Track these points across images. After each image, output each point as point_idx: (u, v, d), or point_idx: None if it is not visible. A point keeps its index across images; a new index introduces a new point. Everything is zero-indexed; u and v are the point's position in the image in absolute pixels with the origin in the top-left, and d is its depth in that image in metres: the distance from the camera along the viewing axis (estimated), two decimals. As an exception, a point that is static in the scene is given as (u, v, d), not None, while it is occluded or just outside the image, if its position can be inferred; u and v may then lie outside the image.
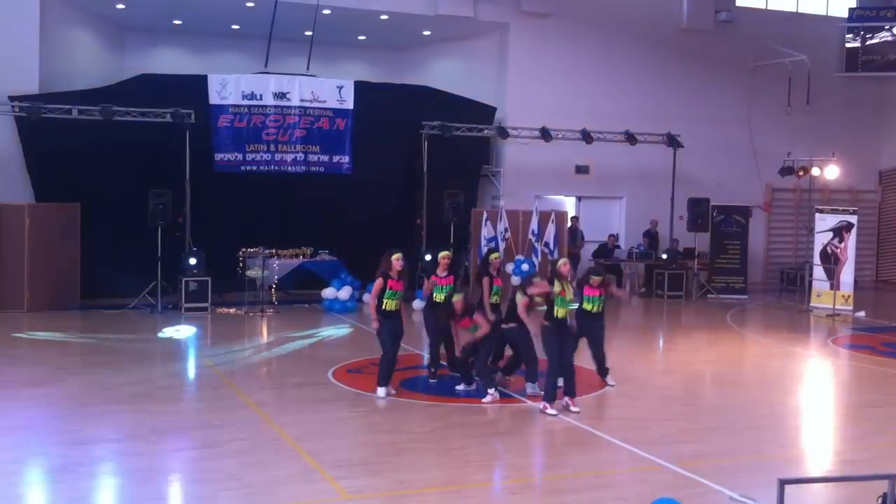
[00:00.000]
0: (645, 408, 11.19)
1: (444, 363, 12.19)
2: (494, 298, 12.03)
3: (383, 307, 11.05)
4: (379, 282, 11.03)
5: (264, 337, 15.92)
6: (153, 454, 8.65)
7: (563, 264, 10.77)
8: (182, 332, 15.64)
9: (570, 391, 10.65)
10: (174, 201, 17.84)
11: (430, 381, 12.01)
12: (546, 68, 22.55)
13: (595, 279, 11.73)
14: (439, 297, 11.77)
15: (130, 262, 18.11)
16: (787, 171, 22.53)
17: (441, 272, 11.87)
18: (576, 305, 11.52)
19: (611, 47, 23.24)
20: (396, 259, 11.00)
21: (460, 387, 11.54)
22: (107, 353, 13.71)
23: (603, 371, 12.14)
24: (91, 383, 11.70)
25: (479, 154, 22.18)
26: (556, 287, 10.48)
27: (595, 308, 11.75)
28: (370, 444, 9.18)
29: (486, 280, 12.06)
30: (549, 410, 10.42)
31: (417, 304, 17.13)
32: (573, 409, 10.54)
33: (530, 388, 11.29)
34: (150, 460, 8.45)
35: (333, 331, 16.53)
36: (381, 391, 11.11)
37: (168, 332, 15.57)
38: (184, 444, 9.01)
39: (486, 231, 20.09)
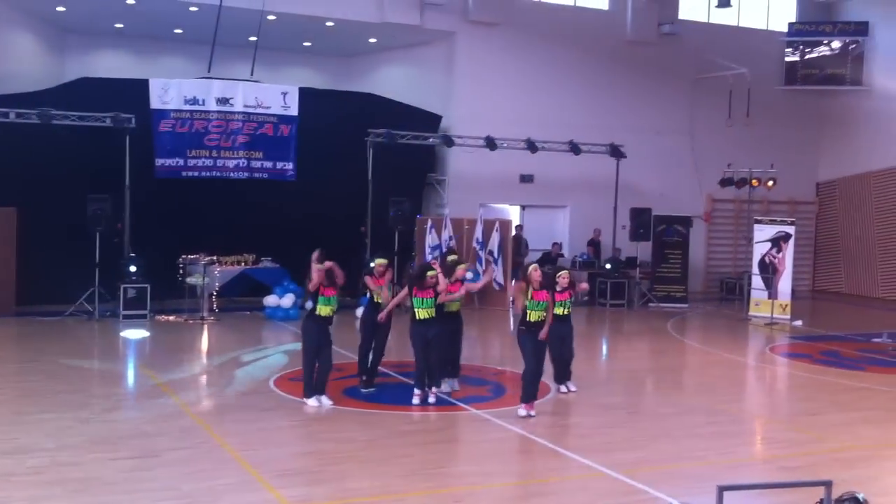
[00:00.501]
0: (587, 416, 11.24)
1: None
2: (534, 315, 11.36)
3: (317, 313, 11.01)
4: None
5: (204, 345, 15.71)
6: (89, 463, 8.47)
7: (534, 269, 10.87)
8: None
9: (562, 378, 11.64)
10: (114, 207, 17.56)
11: (364, 390, 11.89)
12: (492, 77, 22.63)
13: (563, 275, 11.73)
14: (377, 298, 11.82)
15: (68, 269, 17.76)
16: (727, 182, 22.86)
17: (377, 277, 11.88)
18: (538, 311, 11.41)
19: (556, 57, 23.40)
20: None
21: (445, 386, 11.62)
22: (42, 361, 13.40)
23: (565, 374, 12.19)
24: (26, 391, 11.45)
25: (424, 162, 22.17)
26: (528, 293, 10.65)
27: (564, 311, 11.78)
28: (312, 453, 9.10)
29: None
30: (523, 412, 10.69)
31: (360, 311, 17.02)
32: (531, 413, 10.77)
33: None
34: (86, 470, 8.28)
35: (275, 339, 16.38)
36: (311, 400, 11.00)
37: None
38: (120, 454, 8.84)
39: (430, 239, 20.10)
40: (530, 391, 10.82)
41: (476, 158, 21.36)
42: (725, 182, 22.87)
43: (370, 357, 12.00)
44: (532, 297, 10.71)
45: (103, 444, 9.14)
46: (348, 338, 13.47)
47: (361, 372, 12.10)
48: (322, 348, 11.09)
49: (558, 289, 11.45)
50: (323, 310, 11.01)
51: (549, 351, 11.48)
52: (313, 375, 11.07)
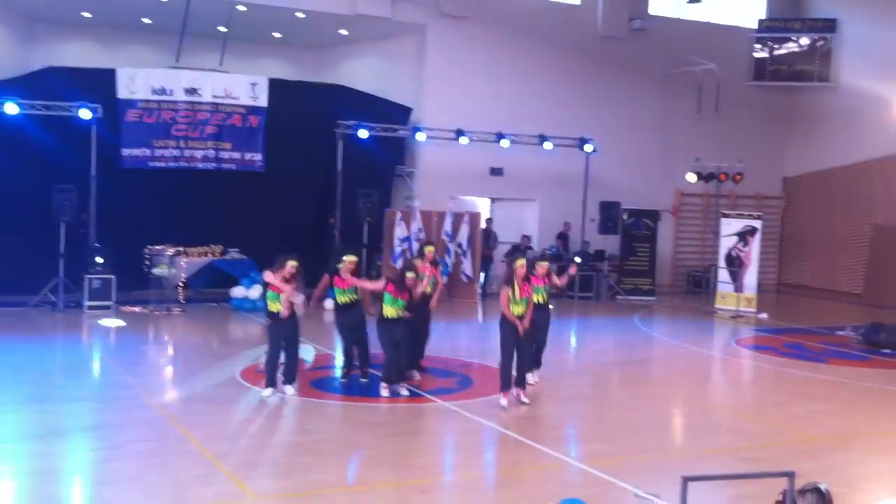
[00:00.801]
0: (554, 407, 11.28)
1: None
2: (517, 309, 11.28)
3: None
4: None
5: (170, 336, 15.60)
6: (52, 455, 8.39)
7: (521, 266, 10.97)
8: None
9: (521, 382, 11.08)
10: (79, 197, 17.36)
11: (342, 381, 11.91)
12: (463, 70, 22.60)
13: (541, 266, 11.93)
14: (342, 298, 11.76)
15: (32, 259, 17.58)
16: (695, 176, 23.00)
17: (344, 275, 11.67)
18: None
19: (527, 51, 23.41)
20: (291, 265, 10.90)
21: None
22: (6, 352, 13.24)
23: (534, 364, 12.15)
24: (-12, 383, 11.32)
25: (393, 154, 22.10)
26: (515, 287, 10.79)
27: (541, 298, 11.82)
28: (278, 445, 9.05)
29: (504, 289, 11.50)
30: (503, 401, 10.79)
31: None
32: (524, 399, 10.97)
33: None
34: (49, 461, 8.20)
35: (242, 330, 16.29)
36: (267, 391, 10.96)
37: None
38: (84, 445, 8.76)
39: (399, 231, 20.07)
40: (506, 381, 10.95)
41: (446, 151, 21.36)
42: (693, 176, 23.01)
43: (354, 353, 12.00)
44: (518, 294, 10.84)
45: (67, 435, 9.05)
46: (318, 331, 13.40)
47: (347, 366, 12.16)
48: (290, 340, 11.08)
49: (535, 274, 11.62)
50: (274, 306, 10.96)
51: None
52: (277, 367, 11.05)
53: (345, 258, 11.73)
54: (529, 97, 23.18)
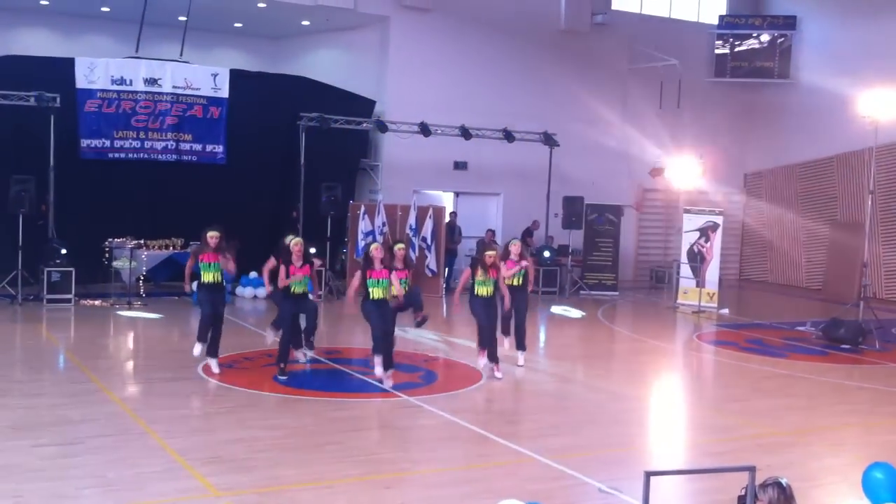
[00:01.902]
0: (516, 402, 11.32)
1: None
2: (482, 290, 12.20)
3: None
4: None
5: (131, 330, 15.43)
6: (10, 450, 8.25)
7: (489, 256, 12.03)
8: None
9: (494, 358, 12.16)
10: (37, 188, 17.12)
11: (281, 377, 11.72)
12: (426, 63, 22.55)
13: (514, 244, 12.82)
14: (298, 288, 11.64)
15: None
16: (657, 172, 23.13)
17: (297, 261, 11.60)
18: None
19: (490, 44, 23.40)
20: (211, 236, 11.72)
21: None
22: (-39, 346, 13.05)
23: (521, 344, 12.96)
24: (-57, 377, 11.12)
25: (357, 147, 22.02)
26: (480, 274, 11.98)
27: (517, 282, 12.61)
28: (241, 440, 8.97)
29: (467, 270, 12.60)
30: (482, 360, 12.31)
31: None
32: (497, 375, 12.07)
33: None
34: (7, 457, 8.06)
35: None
36: (197, 347, 11.64)
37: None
38: (43, 440, 8.62)
39: (363, 225, 20.02)
40: (486, 340, 12.17)
41: (410, 144, 21.31)
42: (656, 172, 23.13)
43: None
44: (485, 276, 11.99)
45: (25, 430, 8.91)
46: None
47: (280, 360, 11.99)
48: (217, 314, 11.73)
49: (513, 257, 12.61)
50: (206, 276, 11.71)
51: (500, 320, 12.69)
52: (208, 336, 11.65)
53: (292, 240, 11.87)
54: (493, 91, 23.19)
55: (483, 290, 12.03)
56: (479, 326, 12.29)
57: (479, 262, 12.19)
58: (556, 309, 18.95)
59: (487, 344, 12.20)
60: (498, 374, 12.08)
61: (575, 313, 18.74)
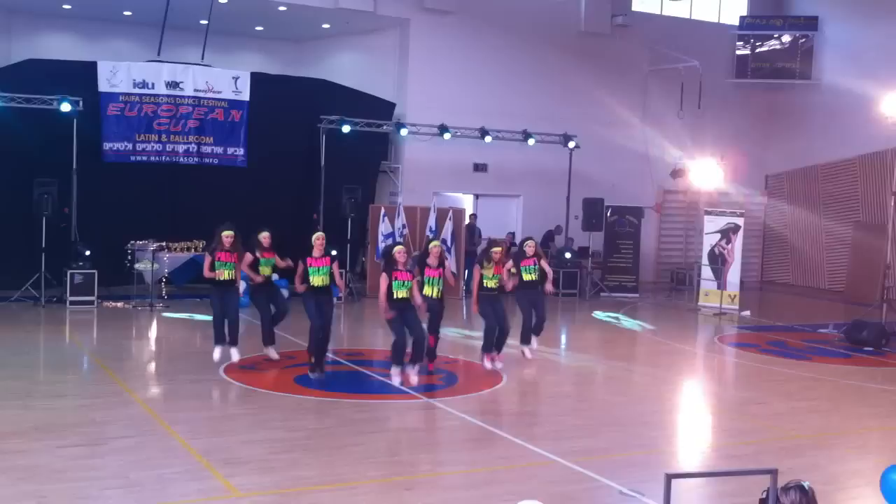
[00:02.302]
0: (537, 404, 11.31)
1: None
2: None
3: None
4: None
5: (153, 332, 15.52)
6: (34, 451, 8.31)
7: (496, 252, 12.41)
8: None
9: (500, 346, 12.64)
10: (60, 191, 17.26)
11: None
12: (446, 65, 22.58)
13: (530, 244, 13.32)
14: (317, 280, 11.76)
15: (13, 254, 17.50)
16: (678, 173, 23.05)
17: (316, 252, 11.78)
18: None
19: (510, 46, 23.40)
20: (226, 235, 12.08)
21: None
22: (-14, 348, 13.17)
23: (538, 328, 13.44)
24: (-32, 378, 11.22)
25: (377, 149, 22.07)
26: (486, 268, 12.37)
27: (532, 276, 13.15)
28: (262, 441, 9.00)
29: (476, 269, 12.59)
30: (488, 364, 12.43)
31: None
32: (498, 364, 12.56)
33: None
34: (31, 458, 8.13)
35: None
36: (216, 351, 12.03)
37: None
38: (67, 441, 8.69)
39: (383, 227, 20.04)
40: (491, 342, 12.46)
41: (430, 147, 21.34)
42: (676, 173, 23.06)
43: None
44: (492, 272, 12.37)
45: (50, 431, 8.98)
46: (298, 325, 13.33)
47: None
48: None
49: (528, 254, 13.23)
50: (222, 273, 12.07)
51: (522, 314, 13.37)
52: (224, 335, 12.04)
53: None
54: (513, 93, 23.20)
55: (491, 283, 12.39)
56: (486, 327, 12.51)
57: (484, 254, 12.60)
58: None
59: (493, 346, 12.51)
60: (529, 355, 13.18)
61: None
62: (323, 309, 11.74)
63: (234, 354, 12.08)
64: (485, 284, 12.42)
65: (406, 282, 11.28)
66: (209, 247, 12.32)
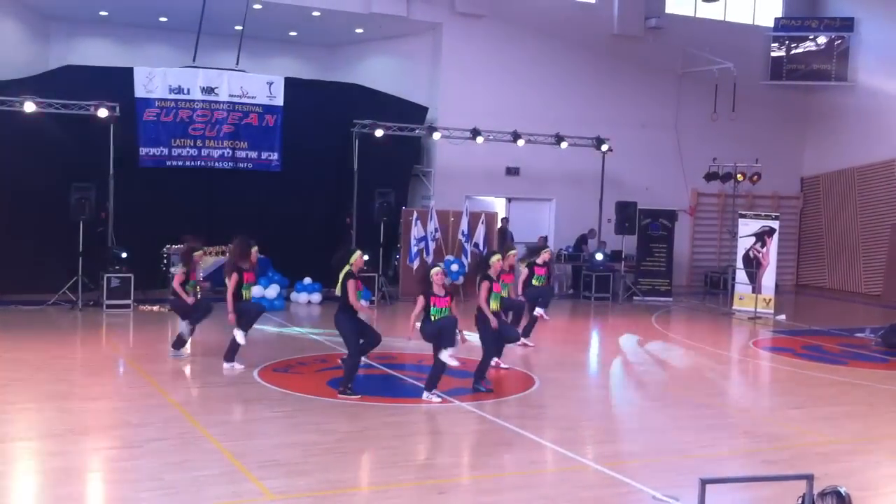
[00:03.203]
0: (570, 408, 11.26)
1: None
2: (494, 305, 11.75)
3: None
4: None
5: (188, 335, 15.62)
6: (71, 454, 8.43)
7: (497, 261, 11.88)
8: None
9: (499, 353, 12.64)
10: (97, 195, 17.47)
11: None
12: (478, 69, 22.61)
13: (545, 253, 14.45)
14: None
15: (51, 258, 17.73)
16: (712, 176, 22.91)
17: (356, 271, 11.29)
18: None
19: (543, 50, 23.39)
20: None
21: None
22: (25, 350, 13.33)
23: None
24: (8, 381, 11.37)
25: (410, 153, 22.13)
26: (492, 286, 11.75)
27: (541, 283, 14.38)
28: (296, 444, 9.06)
29: (486, 284, 11.74)
30: (485, 386, 11.54)
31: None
32: (502, 366, 12.87)
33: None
34: (67, 460, 8.24)
35: (258, 330, 16.30)
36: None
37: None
38: (103, 444, 8.80)
39: (416, 231, 20.08)
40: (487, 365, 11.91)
41: (462, 150, 21.37)
42: (710, 176, 22.93)
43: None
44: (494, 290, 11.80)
45: (86, 434, 9.10)
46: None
47: None
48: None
49: (539, 262, 14.36)
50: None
51: (526, 307, 13.92)
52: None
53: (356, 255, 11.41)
54: (545, 96, 23.18)
55: (494, 305, 11.71)
56: (485, 351, 11.75)
57: (485, 266, 11.98)
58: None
59: (486, 367, 11.85)
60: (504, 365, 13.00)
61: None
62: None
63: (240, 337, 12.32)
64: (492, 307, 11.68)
65: (444, 308, 10.83)
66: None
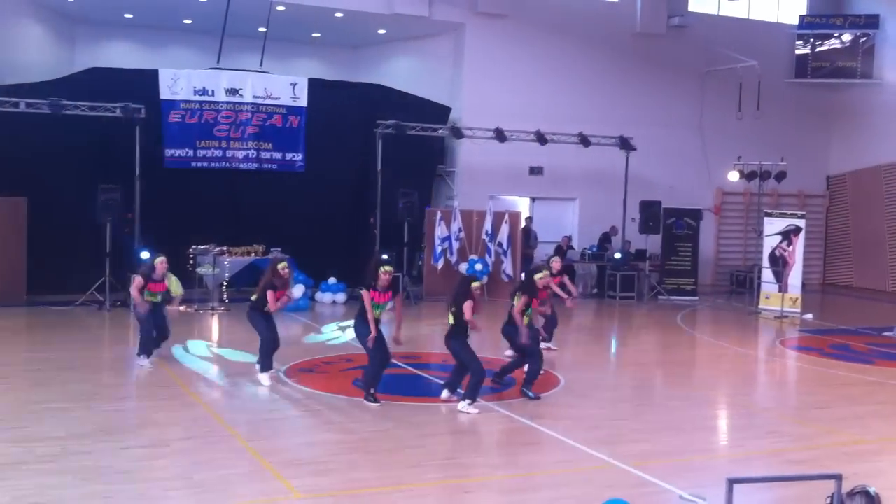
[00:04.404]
0: (596, 407, 11.24)
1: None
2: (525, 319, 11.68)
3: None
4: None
5: (215, 335, 15.75)
6: (99, 452, 8.49)
7: (542, 279, 11.88)
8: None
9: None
10: (124, 197, 17.60)
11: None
12: (501, 69, 22.61)
13: (555, 261, 14.42)
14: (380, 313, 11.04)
15: (78, 258, 17.90)
16: (737, 174, 22.79)
17: (382, 287, 10.91)
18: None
19: (565, 49, 23.36)
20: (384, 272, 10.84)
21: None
22: (53, 350, 13.47)
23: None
24: (36, 380, 11.49)
25: (433, 153, 22.16)
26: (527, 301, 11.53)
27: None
28: (322, 443, 9.10)
29: (525, 298, 11.60)
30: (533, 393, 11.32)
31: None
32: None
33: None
34: (96, 459, 8.31)
35: (284, 329, 16.36)
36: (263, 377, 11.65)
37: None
38: (131, 443, 8.87)
39: (440, 231, 20.11)
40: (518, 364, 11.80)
41: (485, 150, 21.37)
42: (735, 175, 22.81)
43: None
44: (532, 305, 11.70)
45: (114, 433, 9.17)
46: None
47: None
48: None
49: (554, 272, 13.72)
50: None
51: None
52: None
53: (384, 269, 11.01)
54: (568, 95, 23.16)
55: (526, 320, 11.57)
56: (531, 357, 11.57)
57: (532, 286, 11.75)
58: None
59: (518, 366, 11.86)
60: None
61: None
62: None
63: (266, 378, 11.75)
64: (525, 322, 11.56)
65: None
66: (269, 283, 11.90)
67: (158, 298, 12.71)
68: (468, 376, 10.69)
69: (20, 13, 20.14)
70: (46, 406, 10.17)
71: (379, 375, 10.91)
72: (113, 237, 17.50)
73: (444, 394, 11.01)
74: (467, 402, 10.51)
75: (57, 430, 9.20)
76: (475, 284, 10.70)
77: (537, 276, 11.86)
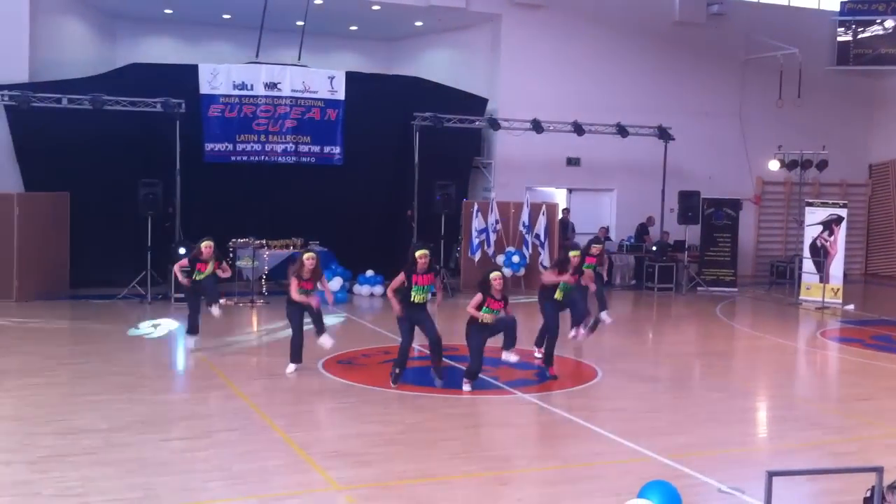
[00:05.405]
0: (634, 399, 11.20)
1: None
2: (559, 295, 12.32)
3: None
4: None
5: (254, 327, 15.90)
6: (141, 444, 8.62)
7: (575, 256, 12.25)
8: (162, 326, 15.41)
9: (550, 360, 12.23)
10: (164, 191, 17.80)
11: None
12: (538, 60, 22.53)
13: (595, 247, 13.89)
14: (419, 297, 11.15)
15: (120, 252, 18.14)
16: (777, 164, 22.57)
17: (420, 270, 11.05)
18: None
19: (603, 39, 23.23)
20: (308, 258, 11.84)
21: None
22: (95, 343, 13.69)
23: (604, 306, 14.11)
24: (79, 373, 11.68)
25: (470, 145, 22.15)
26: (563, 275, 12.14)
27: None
28: (360, 435, 9.16)
29: (555, 270, 12.41)
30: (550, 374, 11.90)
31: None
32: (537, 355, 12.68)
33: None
34: (137, 450, 8.43)
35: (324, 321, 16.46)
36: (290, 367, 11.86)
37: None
38: (172, 435, 8.99)
39: (477, 223, 20.12)
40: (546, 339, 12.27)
41: (522, 142, 21.32)
42: (776, 164, 22.59)
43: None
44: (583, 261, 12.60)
45: (155, 424, 9.30)
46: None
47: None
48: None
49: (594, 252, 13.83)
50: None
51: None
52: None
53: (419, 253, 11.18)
54: (605, 85, 23.03)
55: (558, 295, 12.28)
56: (549, 327, 12.26)
57: (567, 262, 12.27)
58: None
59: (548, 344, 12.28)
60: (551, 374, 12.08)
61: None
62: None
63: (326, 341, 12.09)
64: (555, 296, 12.31)
65: (496, 310, 10.88)
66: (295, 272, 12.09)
67: (206, 273, 13.00)
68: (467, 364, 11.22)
69: (63, 11, 20.40)
70: (90, 398, 10.33)
71: (405, 356, 11.24)
72: (154, 231, 17.70)
73: (466, 387, 11.08)
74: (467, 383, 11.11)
75: (99, 422, 9.34)
76: (494, 275, 10.82)
77: (572, 254, 12.32)
